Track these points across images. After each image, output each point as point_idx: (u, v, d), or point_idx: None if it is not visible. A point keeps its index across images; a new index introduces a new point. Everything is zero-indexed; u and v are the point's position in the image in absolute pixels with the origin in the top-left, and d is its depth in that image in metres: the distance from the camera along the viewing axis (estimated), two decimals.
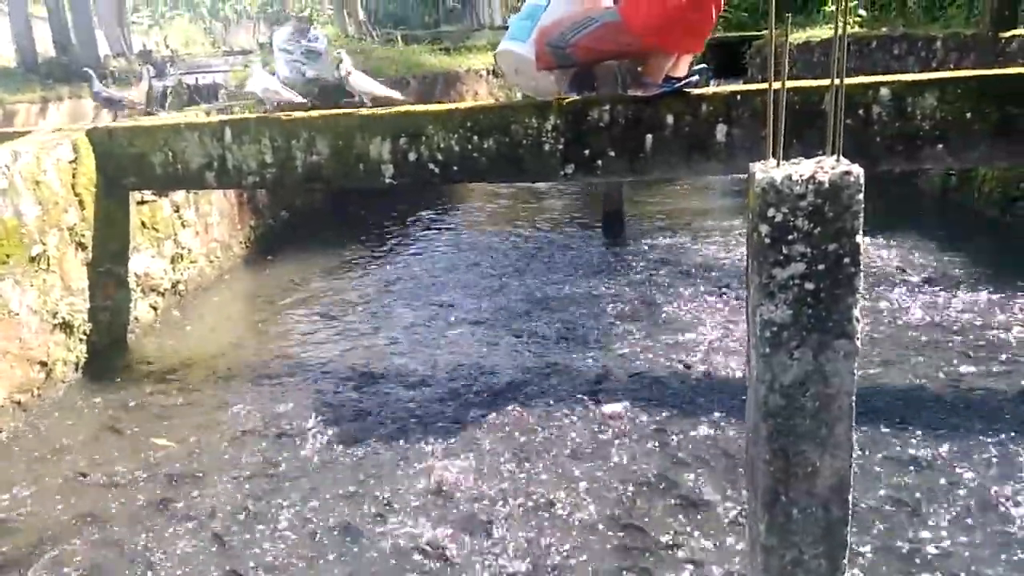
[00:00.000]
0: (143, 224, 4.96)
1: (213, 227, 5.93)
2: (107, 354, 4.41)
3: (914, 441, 3.15)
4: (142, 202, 4.94)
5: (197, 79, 12.07)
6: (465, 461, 3.23)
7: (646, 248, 5.95)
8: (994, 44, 5.83)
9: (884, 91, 3.47)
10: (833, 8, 9.24)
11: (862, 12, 8.58)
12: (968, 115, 3.42)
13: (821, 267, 1.84)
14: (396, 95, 4.25)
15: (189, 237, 5.52)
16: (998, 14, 5.85)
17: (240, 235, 6.40)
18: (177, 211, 5.39)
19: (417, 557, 2.70)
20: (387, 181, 4.00)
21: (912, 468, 2.99)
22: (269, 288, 5.68)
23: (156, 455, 3.45)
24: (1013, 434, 3.13)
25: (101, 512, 3.04)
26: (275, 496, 3.08)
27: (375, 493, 3.07)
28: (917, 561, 2.54)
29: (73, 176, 4.29)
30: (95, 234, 4.42)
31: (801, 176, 1.82)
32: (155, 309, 5.02)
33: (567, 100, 3.71)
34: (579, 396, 3.72)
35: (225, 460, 3.38)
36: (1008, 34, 5.74)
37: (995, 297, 4.45)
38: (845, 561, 1.99)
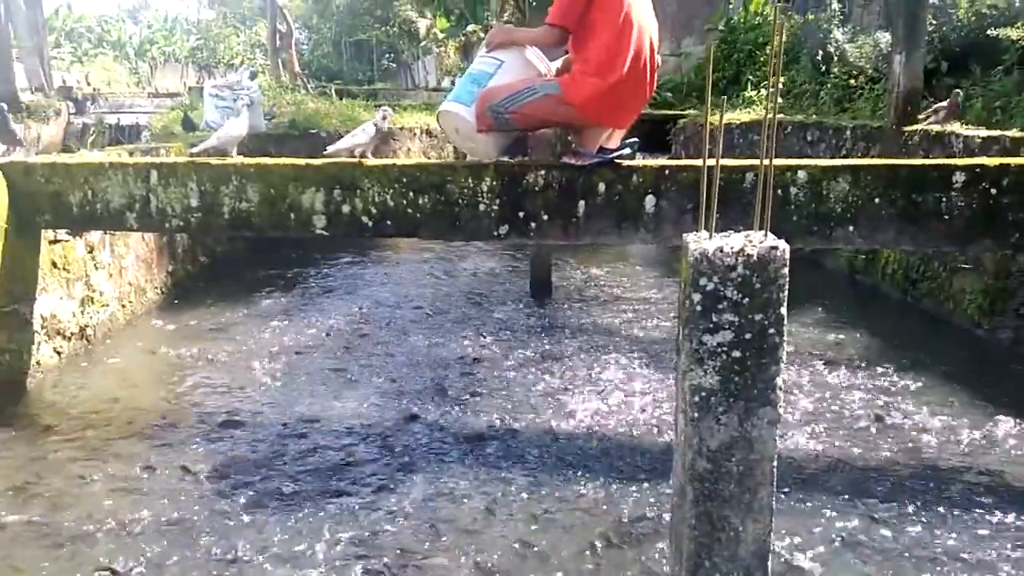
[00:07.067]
0: (54, 264, 4.75)
1: (128, 270, 5.73)
2: (2, 398, 4.16)
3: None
4: (54, 241, 4.74)
5: (120, 119, 11.83)
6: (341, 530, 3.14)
7: (572, 313, 6.04)
8: (898, 136, 6.27)
9: (801, 174, 3.67)
10: (753, 95, 9.80)
11: (779, 99, 9.09)
12: (877, 200, 3.64)
13: (748, 336, 1.92)
14: None
15: (102, 279, 5.32)
16: (902, 110, 6.31)
17: (156, 280, 6.21)
18: (91, 252, 5.19)
19: None
20: (319, 232, 3.96)
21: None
22: (181, 336, 5.49)
23: (38, 508, 3.26)
24: (911, 510, 3.24)
25: None
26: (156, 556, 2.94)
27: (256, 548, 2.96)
28: None
29: None
30: (1, 272, 4.21)
31: (732, 248, 1.90)
32: (59, 353, 4.78)
33: (504, 163, 3.79)
34: (484, 457, 3.71)
35: (111, 516, 3.21)
36: (910, 128, 6.18)
37: (889, 377, 4.62)
38: None
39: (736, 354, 1.93)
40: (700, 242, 1.95)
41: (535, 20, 3.57)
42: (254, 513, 3.23)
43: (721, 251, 1.90)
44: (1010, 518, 3.16)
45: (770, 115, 2.01)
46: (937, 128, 5.84)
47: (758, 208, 2.01)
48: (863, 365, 4.82)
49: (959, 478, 3.50)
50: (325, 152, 3.99)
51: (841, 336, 5.41)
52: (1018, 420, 4.00)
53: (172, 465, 3.63)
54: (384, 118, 4.05)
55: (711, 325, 1.92)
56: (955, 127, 5.67)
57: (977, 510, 3.22)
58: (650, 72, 3.50)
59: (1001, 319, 5.13)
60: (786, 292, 1.91)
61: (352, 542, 3.03)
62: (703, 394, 1.95)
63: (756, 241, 1.93)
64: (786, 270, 1.90)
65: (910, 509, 3.23)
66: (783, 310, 1.92)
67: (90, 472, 3.55)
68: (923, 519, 3.16)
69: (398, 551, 2.97)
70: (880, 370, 4.73)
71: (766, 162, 2.00)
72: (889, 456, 3.70)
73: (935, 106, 6.01)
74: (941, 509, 3.23)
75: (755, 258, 1.89)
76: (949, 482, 3.46)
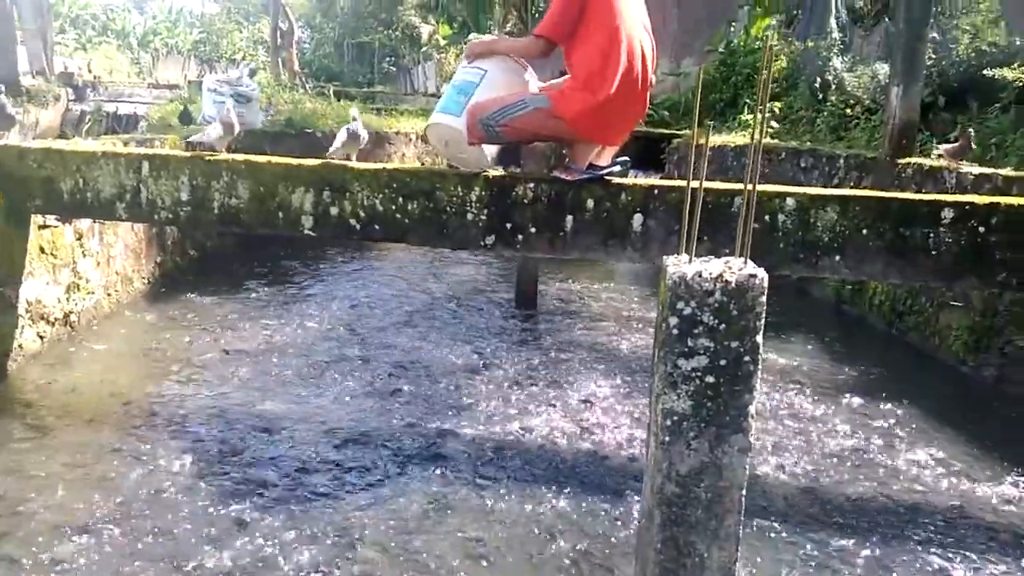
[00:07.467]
0: (41, 249, 4.74)
1: (116, 259, 5.71)
2: None
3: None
4: (44, 226, 4.73)
5: (118, 108, 11.80)
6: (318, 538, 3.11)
7: (555, 327, 6.04)
8: (892, 168, 6.29)
9: (790, 201, 3.67)
10: (748, 118, 9.84)
11: (775, 124, 9.14)
12: (865, 232, 3.64)
13: (723, 362, 1.92)
14: None
15: (89, 267, 5.30)
16: (897, 142, 6.34)
17: (144, 270, 6.18)
18: (80, 239, 5.17)
19: None
20: (306, 232, 3.95)
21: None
22: (164, 328, 5.47)
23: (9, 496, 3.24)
24: (883, 546, 3.22)
25: None
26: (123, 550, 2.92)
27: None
28: None
29: None
30: None
31: (710, 274, 1.90)
32: (42, 338, 4.75)
33: (494, 174, 3.79)
34: (454, 464, 3.70)
35: (75, 504, 3.19)
36: (904, 161, 6.21)
37: (871, 410, 4.61)
38: None
39: (710, 380, 1.93)
40: (679, 265, 1.95)
41: None
42: (219, 508, 3.22)
43: (700, 276, 1.90)
44: (991, 560, 3.14)
45: (756, 140, 2.02)
46: (932, 163, 5.85)
47: (739, 234, 2.01)
48: (844, 396, 4.81)
49: (935, 517, 3.48)
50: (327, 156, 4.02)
51: (823, 366, 5.40)
52: (1000, 460, 4.00)
53: (143, 456, 3.62)
54: (355, 119, 4.11)
55: (686, 349, 1.92)
56: (957, 164, 5.58)
57: (957, 551, 3.21)
58: (642, 90, 3.48)
59: (986, 356, 5.14)
60: (763, 320, 1.91)
61: (314, 540, 3.02)
62: (675, 418, 1.95)
63: (735, 268, 1.93)
64: (763, 298, 1.90)
65: (882, 545, 3.22)
66: (759, 338, 1.92)
67: (59, 458, 3.54)
68: (894, 557, 3.15)
69: (358, 553, 2.97)
70: (862, 402, 4.72)
71: (749, 187, 2.00)
72: (865, 491, 3.69)
73: (953, 145, 5.69)
74: (918, 547, 3.22)
75: (733, 285, 1.89)
76: (926, 520, 3.45)
